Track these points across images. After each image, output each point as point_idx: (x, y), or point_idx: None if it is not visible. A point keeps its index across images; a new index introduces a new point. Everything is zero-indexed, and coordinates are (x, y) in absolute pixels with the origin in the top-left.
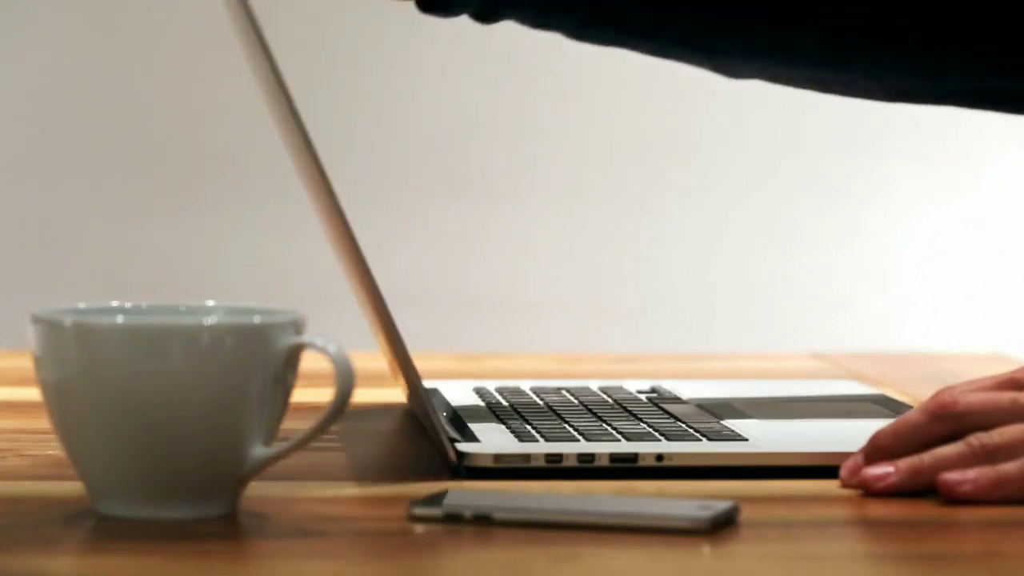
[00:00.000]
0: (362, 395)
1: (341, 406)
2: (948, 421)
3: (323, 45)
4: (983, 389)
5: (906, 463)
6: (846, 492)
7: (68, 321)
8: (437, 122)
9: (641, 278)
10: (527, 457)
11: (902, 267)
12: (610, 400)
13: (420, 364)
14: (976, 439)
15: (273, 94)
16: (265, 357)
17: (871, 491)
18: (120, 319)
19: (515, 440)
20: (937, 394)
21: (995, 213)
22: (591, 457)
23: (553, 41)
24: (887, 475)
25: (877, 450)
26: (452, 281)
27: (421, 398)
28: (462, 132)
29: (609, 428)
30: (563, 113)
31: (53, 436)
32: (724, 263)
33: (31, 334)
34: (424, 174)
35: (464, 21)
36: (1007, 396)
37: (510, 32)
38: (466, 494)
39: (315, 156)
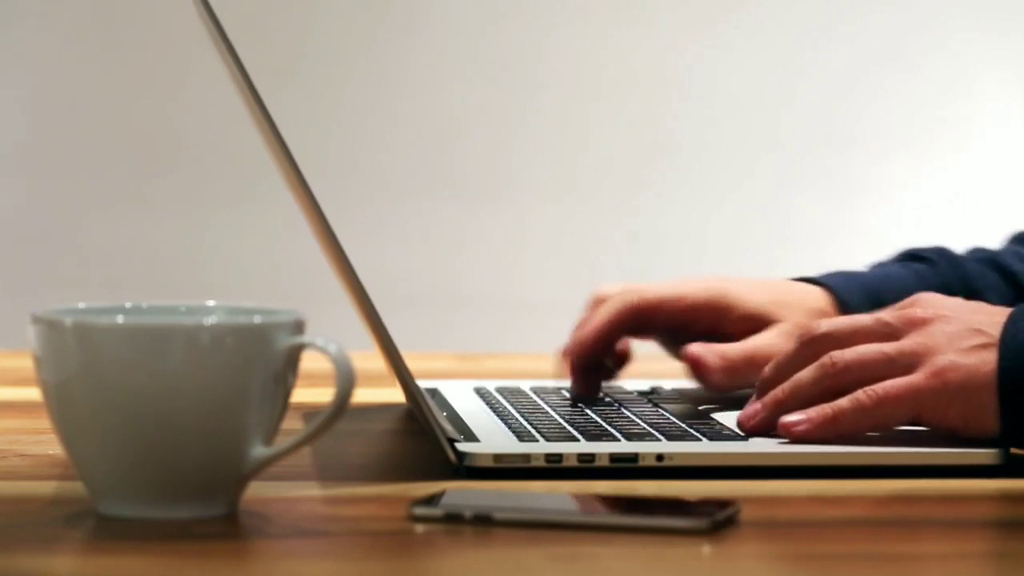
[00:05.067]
0: (362, 395)
1: (341, 406)
2: (813, 345)
3: (313, 46)
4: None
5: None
6: (846, 492)
7: (68, 321)
8: (433, 123)
9: (640, 276)
10: (527, 457)
11: None
12: (610, 400)
13: (420, 364)
14: (829, 357)
15: (250, 105)
16: (265, 357)
17: (791, 436)
18: (120, 319)
19: (515, 440)
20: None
21: (990, 211)
22: (591, 457)
23: (542, 41)
24: (800, 422)
25: (764, 383)
26: (448, 281)
27: (416, 398)
28: (458, 132)
29: (609, 428)
30: (556, 111)
31: (53, 436)
32: (721, 260)
33: (31, 334)
34: (418, 174)
35: (452, 22)
36: (870, 316)
37: (499, 32)
38: (466, 494)
39: (296, 165)
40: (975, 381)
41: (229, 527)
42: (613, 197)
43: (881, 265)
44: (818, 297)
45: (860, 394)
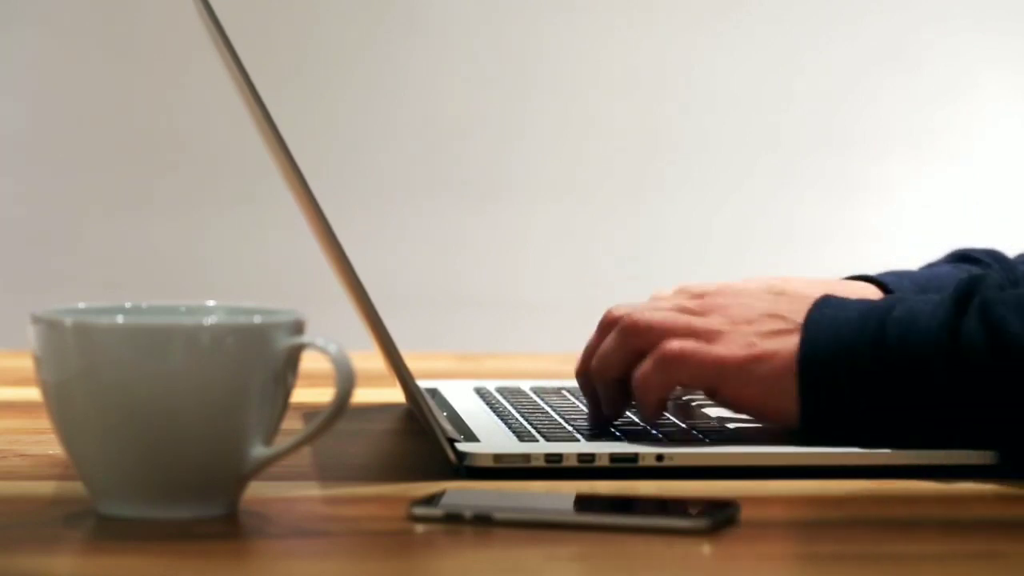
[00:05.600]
0: (362, 395)
1: (341, 406)
2: (611, 327)
3: (313, 46)
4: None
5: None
6: (846, 492)
7: (68, 321)
8: (434, 123)
9: (640, 276)
10: (527, 457)
11: (895, 264)
12: None
13: (420, 364)
14: (629, 317)
15: (251, 105)
16: (265, 357)
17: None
18: (120, 319)
19: (515, 440)
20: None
21: (990, 211)
22: (591, 457)
23: (543, 41)
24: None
25: (579, 380)
26: (448, 281)
27: (416, 398)
28: (459, 132)
29: (609, 428)
30: (556, 111)
31: (53, 436)
32: (721, 260)
33: (31, 334)
34: (418, 174)
35: (452, 23)
36: (668, 301)
37: (499, 33)
38: (466, 494)
39: (296, 166)
40: (775, 364)
41: (229, 527)
42: (613, 197)
43: (931, 265)
44: (872, 293)
45: (664, 346)
